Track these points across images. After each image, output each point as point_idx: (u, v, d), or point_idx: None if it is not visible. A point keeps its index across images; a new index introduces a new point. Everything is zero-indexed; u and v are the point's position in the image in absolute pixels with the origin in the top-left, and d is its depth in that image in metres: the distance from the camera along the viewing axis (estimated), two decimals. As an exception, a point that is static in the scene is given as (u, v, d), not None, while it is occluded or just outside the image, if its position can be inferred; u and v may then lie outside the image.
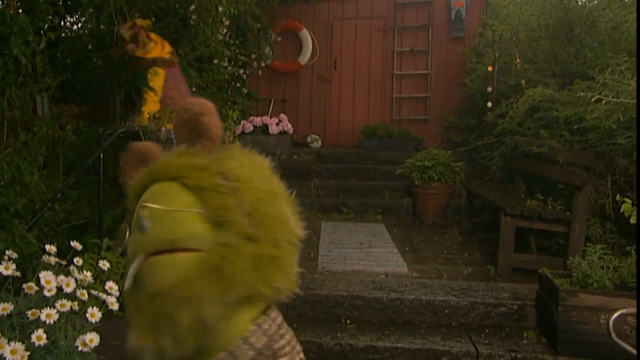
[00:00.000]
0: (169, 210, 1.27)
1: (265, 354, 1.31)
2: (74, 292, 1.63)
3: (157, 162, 1.38)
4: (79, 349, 1.55)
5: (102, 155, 3.37)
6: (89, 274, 1.72)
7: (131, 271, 1.27)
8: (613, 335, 2.29)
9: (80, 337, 1.55)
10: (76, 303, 1.61)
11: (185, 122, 1.39)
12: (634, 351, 2.31)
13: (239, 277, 1.24)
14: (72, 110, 4.53)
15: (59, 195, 3.15)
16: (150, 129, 3.78)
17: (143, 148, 1.46)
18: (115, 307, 1.69)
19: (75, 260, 1.77)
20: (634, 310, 2.55)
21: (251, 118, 6.78)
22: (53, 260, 1.71)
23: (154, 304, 1.23)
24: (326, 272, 3.83)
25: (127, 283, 1.27)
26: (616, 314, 2.33)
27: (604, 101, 3.14)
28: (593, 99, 3.26)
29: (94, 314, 1.58)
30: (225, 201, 1.29)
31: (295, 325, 3.20)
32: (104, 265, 1.86)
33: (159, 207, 1.29)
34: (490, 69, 5.83)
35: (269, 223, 1.31)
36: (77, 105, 4.62)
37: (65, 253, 2.01)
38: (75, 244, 1.85)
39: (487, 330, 3.29)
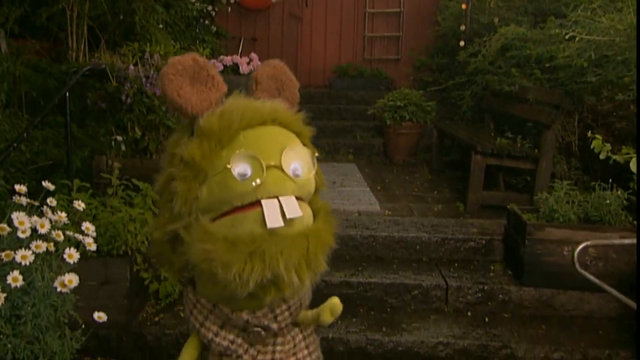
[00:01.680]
0: (313, 168, 1.31)
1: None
2: (49, 233, 1.58)
3: (279, 106, 1.34)
4: (58, 289, 1.52)
5: (67, 94, 3.22)
6: (63, 214, 1.67)
7: (294, 210, 1.22)
8: (577, 265, 2.38)
9: (59, 277, 1.52)
10: (52, 244, 1.56)
11: (271, 75, 1.41)
12: (596, 280, 2.42)
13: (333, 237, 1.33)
14: (32, 46, 4.29)
15: (25, 135, 3.02)
16: (118, 67, 3.61)
17: (201, 61, 1.32)
18: (92, 247, 1.66)
19: (48, 200, 1.71)
20: (597, 242, 2.66)
21: (221, 57, 6.55)
22: (24, 200, 1.64)
23: (302, 243, 1.23)
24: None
25: (291, 215, 1.22)
26: (581, 246, 2.41)
27: (577, 39, 3.13)
28: (567, 37, 3.24)
29: (72, 255, 1.55)
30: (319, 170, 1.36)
31: (271, 262, 3.23)
32: (79, 205, 1.81)
33: (313, 163, 1.31)
34: (464, 6, 5.72)
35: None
36: (38, 41, 4.37)
37: (33, 195, 1.94)
38: (47, 184, 1.79)
39: (456, 265, 3.39)
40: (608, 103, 3.72)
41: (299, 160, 1.28)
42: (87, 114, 3.90)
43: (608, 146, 2.30)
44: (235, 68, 6.54)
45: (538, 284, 3.06)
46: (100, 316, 1.62)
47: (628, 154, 2.42)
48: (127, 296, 2.78)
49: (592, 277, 2.40)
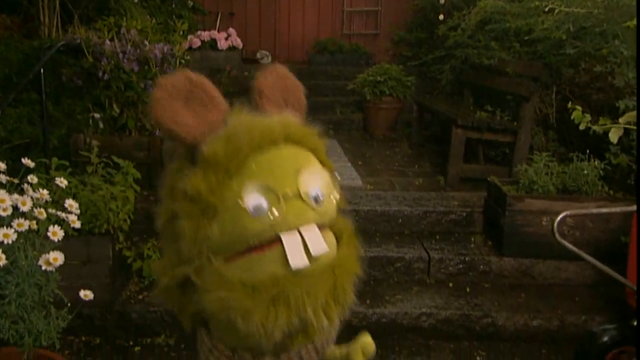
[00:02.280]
0: (333, 189, 1.17)
1: None
2: (31, 211, 1.55)
3: (290, 122, 1.17)
4: (43, 267, 1.50)
5: (42, 70, 3.13)
6: (45, 192, 1.64)
7: (319, 245, 1.09)
8: (557, 234, 2.43)
9: (43, 256, 1.49)
10: (35, 222, 1.53)
11: (274, 84, 1.26)
12: (575, 249, 2.47)
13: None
14: (3, 21, 4.14)
15: (-1, 113, 2.94)
16: (94, 42, 3.51)
17: (195, 79, 1.14)
18: (77, 225, 1.63)
19: (29, 177, 1.67)
20: (576, 212, 2.71)
21: (198, 33, 6.43)
22: (4, 178, 1.60)
23: (329, 278, 1.11)
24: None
25: (316, 252, 1.08)
26: (561, 216, 2.46)
27: (555, 11, 3.14)
28: (546, 9, 3.25)
29: (56, 232, 1.52)
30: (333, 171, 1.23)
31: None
32: (61, 182, 1.77)
33: (334, 182, 1.17)
34: (442, -21, 5.68)
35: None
36: (8, 17, 4.22)
37: (9, 174, 1.88)
38: (27, 162, 1.75)
39: (437, 237, 3.43)
40: (585, 75, 3.76)
41: (318, 184, 1.13)
42: (63, 91, 3.81)
43: (587, 117, 2.33)
44: (212, 44, 6.43)
45: (517, 254, 3.12)
46: (86, 294, 1.61)
47: (606, 124, 2.45)
48: (110, 275, 2.75)
49: (571, 246, 2.45)
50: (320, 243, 1.09)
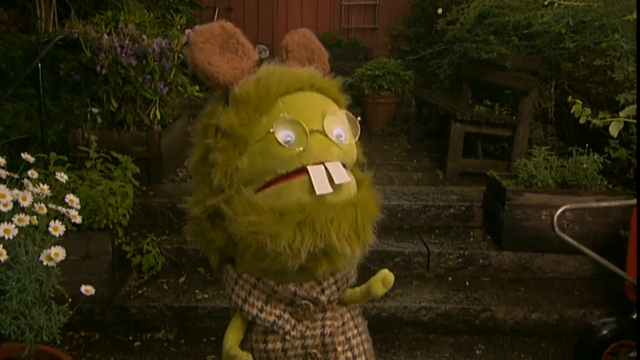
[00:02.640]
0: (356, 131, 1.26)
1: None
2: (32, 206, 1.54)
3: (316, 72, 1.29)
4: (44, 263, 1.49)
5: (39, 65, 3.11)
6: (46, 187, 1.63)
7: (342, 175, 1.17)
8: (557, 228, 2.43)
9: (44, 251, 1.49)
10: (35, 217, 1.53)
11: (301, 43, 1.37)
12: (574, 242, 2.47)
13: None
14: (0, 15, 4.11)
15: (-3, 108, 2.92)
16: (92, 37, 3.49)
17: (230, 29, 1.26)
18: (78, 220, 1.62)
19: (29, 172, 1.66)
20: (575, 205, 2.71)
21: (195, 27, 6.39)
22: (4, 173, 1.60)
23: (350, 211, 1.18)
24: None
25: (339, 180, 1.16)
26: (560, 210, 2.46)
27: (555, 5, 3.13)
28: (545, 3, 3.24)
29: (57, 228, 1.51)
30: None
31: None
32: (62, 177, 1.76)
33: (356, 126, 1.27)
34: (440, -27, 5.67)
35: None
36: (4, 10, 4.19)
37: (8, 169, 1.87)
38: (27, 156, 1.74)
39: (437, 231, 3.44)
40: (585, 69, 3.75)
41: (341, 125, 1.23)
42: (60, 86, 3.78)
43: (588, 110, 2.33)
44: (210, 38, 6.40)
45: (517, 248, 3.12)
46: (87, 289, 1.60)
47: (605, 118, 2.45)
48: (110, 270, 2.75)
49: (570, 240, 2.45)
50: (342, 173, 1.18)
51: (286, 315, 1.34)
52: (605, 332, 2.37)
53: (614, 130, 2.21)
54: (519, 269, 3.13)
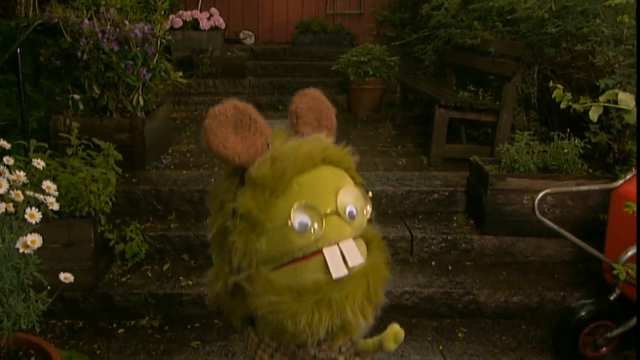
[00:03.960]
0: (366, 204, 1.30)
1: None
2: (7, 193, 1.51)
3: (327, 145, 1.31)
4: (20, 250, 1.47)
5: (18, 50, 3.05)
6: (22, 173, 1.60)
7: (355, 257, 1.24)
8: (537, 212, 2.45)
9: (21, 238, 1.46)
10: (11, 204, 1.50)
11: (310, 107, 1.39)
12: (555, 226, 2.50)
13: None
14: (-24, 0, 4.02)
15: (-26, 95, 2.87)
16: (72, 22, 3.42)
17: (242, 107, 1.29)
18: (55, 207, 1.60)
19: (5, 159, 1.63)
20: (556, 189, 2.73)
21: (180, 12, 6.31)
22: (-22, 160, 1.56)
23: (363, 282, 1.23)
24: (266, 168, 3.81)
25: (354, 263, 1.23)
26: (541, 194, 2.48)
27: (538, -11, 3.12)
28: (528, -13, 3.24)
29: (33, 215, 1.49)
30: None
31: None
32: (38, 163, 1.73)
33: (367, 198, 1.30)
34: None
35: None
36: (-18, -5, 4.10)
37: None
38: (2, 143, 1.70)
39: (420, 216, 3.45)
40: (567, 54, 3.76)
41: (354, 202, 1.27)
42: (41, 72, 3.72)
43: (569, 95, 2.32)
44: (195, 24, 6.32)
45: (499, 233, 3.15)
46: (66, 276, 1.58)
47: (586, 103, 2.46)
48: (93, 257, 2.73)
49: (550, 224, 2.48)
50: (356, 255, 1.25)
51: None
52: (583, 313, 2.41)
53: (593, 115, 2.21)
54: (501, 253, 3.16)
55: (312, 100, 1.42)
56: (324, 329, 1.20)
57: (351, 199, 1.27)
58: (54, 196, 1.60)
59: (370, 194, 1.35)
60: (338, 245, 1.24)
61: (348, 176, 1.34)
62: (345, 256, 1.23)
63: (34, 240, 1.44)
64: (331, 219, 1.23)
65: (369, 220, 1.36)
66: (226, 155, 1.25)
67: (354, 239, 1.29)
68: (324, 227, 1.21)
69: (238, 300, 1.34)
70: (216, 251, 1.39)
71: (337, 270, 1.21)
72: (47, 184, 1.61)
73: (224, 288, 1.34)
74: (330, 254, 1.22)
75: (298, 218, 1.21)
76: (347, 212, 1.25)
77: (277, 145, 1.29)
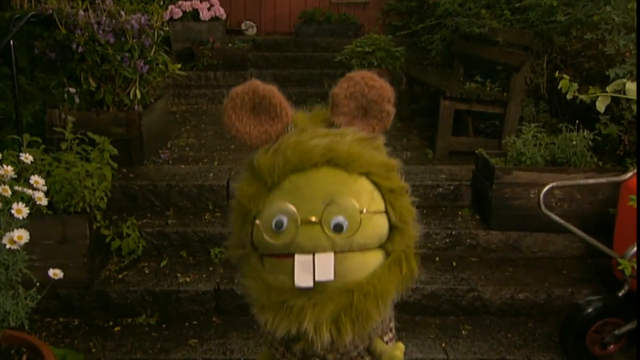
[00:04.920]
0: (368, 213, 1.22)
1: None
2: (-6, 188, 1.53)
3: (337, 144, 1.23)
4: (7, 246, 1.48)
5: (12, 42, 3.06)
6: (10, 168, 1.61)
7: (325, 272, 1.19)
8: (543, 206, 2.44)
9: (7, 234, 1.48)
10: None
11: (350, 94, 1.30)
12: (561, 220, 2.48)
13: (411, 279, 1.31)
14: (-30, -8, 4.05)
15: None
16: (67, 13, 3.44)
17: (262, 91, 1.28)
18: (43, 202, 1.61)
19: (-9, 154, 1.65)
20: (562, 183, 2.72)
21: (179, 2, 6.31)
22: (-35, 155, 1.58)
23: (342, 298, 1.20)
24: (267, 162, 3.81)
25: (320, 277, 1.18)
26: (546, 188, 2.46)
27: (546, -24, 3.10)
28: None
29: (20, 210, 1.50)
30: (408, 203, 1.30)
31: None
32: (26, 158, 1.75)
33: (363, 209, 1.22)
34: (432, -55, 5.58)
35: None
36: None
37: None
38: (-11, 138, 1.72)
39: (425, 211, 3.43)
40: (577, 43, 3.73)
41: (343, 214, 1.19)
42: (36, 65, 3.74)
43: (575, 86, 2.30)
44: (195, 14, 6.33)
45: (505, 228, 3.13)
46: (55, 273, 1.59)
47: (594, 93, 2.44)
48: (88, 254, 2.74)
49: (557, 218, 2.46)
50: (327, 270, 1.18)
51: None
52: (590, 310, 2.40)
53: (600, 105, 2.19)
54: (508, 248, 3.15)
55: (354, 85, 1.29)
56: (279, 332, 1.21)
57: (340, 211, 1.19)
58: (42, 191, 1.62)
59: (409, 193, 1.30)
60: (313, 255, 1.19)
61: (359, 182, 1.24)
62: (315, 268, 1.18)
63: (21, 235, 1.46)
64: (308, 228, 1.19)
65: (398, 232, 1.28)
66: (239, 137, 1.29)
67: (343, 252, 1.21)
68: (297, 234, 1.18)
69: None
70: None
71: (300, 280, 1.18)
72: (36, 179, 1.63)
73: (234, 259, 1.37)
74: (300, 262, 1.19)
75: (276, 217, 1.20)
76: (331, 224, 1.19)
77: (287, 136, 1.26)
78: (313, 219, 1.18)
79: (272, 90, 1.28)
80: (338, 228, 1.19)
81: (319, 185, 1.21)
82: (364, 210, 1.21)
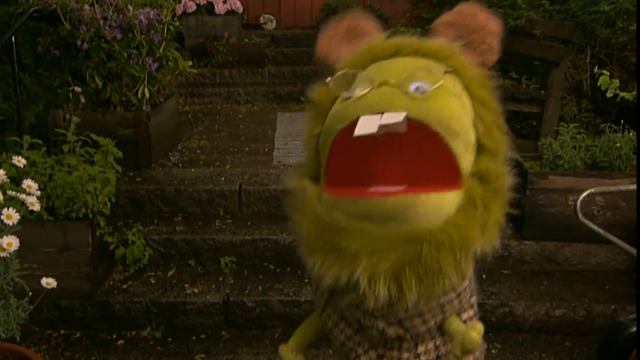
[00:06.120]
0: (445, 88, 1.12)
1: None
2: (-14, 192, 1.56)
3: (427, 41, 1.24)
4: (-4, 253, 1.52)
5: (13, 38, 3.14)
6: (2, 171, 1.65)
7: (394, 115, 1.03)
8: (580, 215, 2.38)
9: (-4, 241, 1.51)
10: (-10, 204, 1.55)
11: (450, 22, 1.30)
12: (600, 231, 2.42)
13: (496, 233, 1.13)
14: (-28, -14, 4.17)
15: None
16: (71, 7, 3.51)
17: (360, 21, 1.36)
18: (36, 207, 1.64)
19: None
20: (602, 189, 2.66)
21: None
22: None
23: (408, 247, 1.05)
24: (282, 166, 3.83)
25: (386, 121, 1.02)
26: (584, 194, 2.41)
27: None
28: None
29: (11, 216, 1.53)
30: (500, 125, 1.22)
31: (249, 223, 3.24)
32: (19, 161, 1.79)
33: (445, 70, 1.16)
34: None
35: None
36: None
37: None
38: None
39: (453, 219, 3.40)
40: (623, 35, 3.66)
41: (426, 79, 1.10)
42: (40, 63, 3.83)
43: (616, 82, 2.27)
44: (209, 8, 6.41)
45: (540, 237, 3.08)
46: (48, 282, 1.62)
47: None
48: (90, 263, 2.79)
49: (595, 227, 2.41)
50: (396, 115, 1.03)
51: (357, 338, 1.33)
52: (633, 329, 2.33)
53: (642, 103, 2.15)
54: (543, 260, 3.09)
55: (457, 14, 1.29)
56: (327, 279, 1.09)
57: (424, 77, 1.11)
58: (35, 196, 1.65)
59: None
60: (381, 115, 1.04)
61: (448, 77, 1.16)
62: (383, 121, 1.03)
63: (10, 242, 1.49)
64: (383, 87, 1.11)
65: (485, 155, 1.15)
66: (329, 63, 1.31)
67: (419, 123, 1.05)
68: (371, 93, 1.10)
69: None
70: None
71: (363, 128, 1.02)
72: (28, 183, 1.66)
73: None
74: (364, 117, 1.05)
75: (351, 88, 1.14)
76: (411, 86, 1.09)
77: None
78: (392, 81, 1.11)
79: (362, 17, 1.37)
80: (418, 89, 1.09)
81: (403, 63, 1.19)
82: (441, 83, 1.13)
